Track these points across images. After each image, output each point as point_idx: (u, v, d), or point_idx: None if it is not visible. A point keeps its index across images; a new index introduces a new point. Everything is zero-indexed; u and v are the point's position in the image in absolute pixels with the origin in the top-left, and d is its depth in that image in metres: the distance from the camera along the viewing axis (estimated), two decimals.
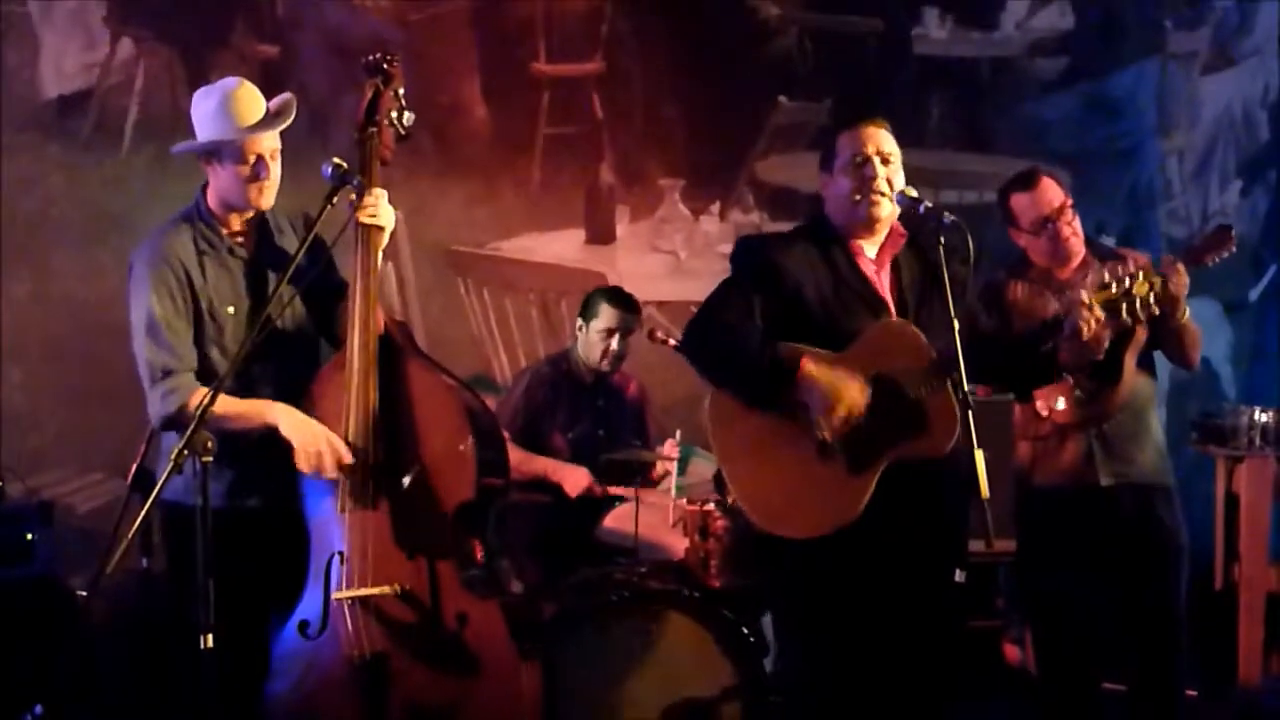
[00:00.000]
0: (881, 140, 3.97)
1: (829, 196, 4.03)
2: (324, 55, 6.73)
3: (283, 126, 4.12)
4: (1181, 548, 4.77)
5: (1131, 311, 3.80)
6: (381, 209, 4.08)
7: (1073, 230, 4.72)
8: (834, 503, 3.83)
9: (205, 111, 4.08)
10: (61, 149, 6.53)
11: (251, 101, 4.09)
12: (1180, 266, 4.36)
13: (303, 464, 3.97)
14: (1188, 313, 4.54)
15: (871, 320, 3.92)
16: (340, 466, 3.98)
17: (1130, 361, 4.69)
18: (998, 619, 6.27)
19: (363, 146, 4.12)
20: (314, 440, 3.97)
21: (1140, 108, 7.45)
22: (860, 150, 3.94)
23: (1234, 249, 4.44)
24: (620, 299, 5.69)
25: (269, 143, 4.09)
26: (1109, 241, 6.16)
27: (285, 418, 3.99)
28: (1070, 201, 4.73)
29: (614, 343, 5.62)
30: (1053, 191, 4.71)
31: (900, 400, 3.81)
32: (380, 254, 4.10)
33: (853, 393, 3.78)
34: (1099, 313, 3.79)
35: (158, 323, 4.00)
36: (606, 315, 5.62)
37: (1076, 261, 4.76)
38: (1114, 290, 3.81)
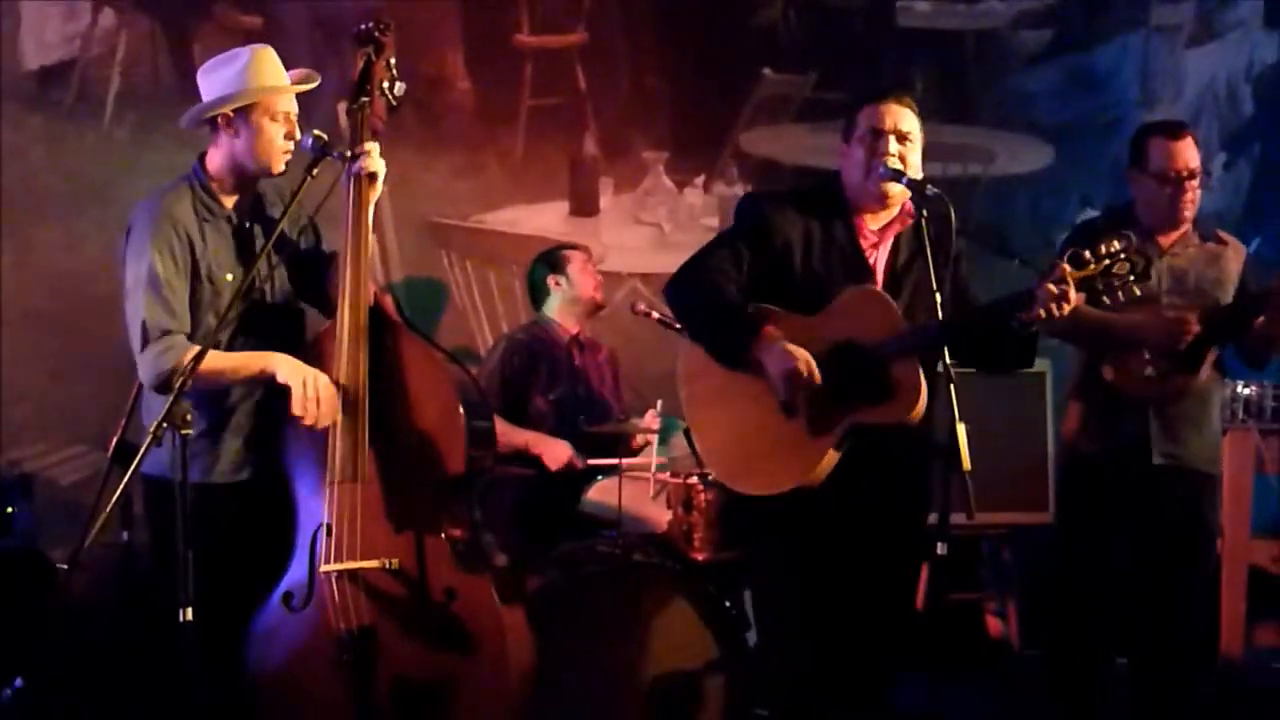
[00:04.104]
0: (901, 118, 3.97)
1: (844, 167, 4.06)
2: (307, 27, 6.69)
3: (308, 89, 4.10)
4: (1214, 535, 4.85)
5: (1110, 291, 3.70)
6: (375, 157, 4.04)
7: (1193, 199, 4.70)
8: (792, 462, 3.86)
9: (232, 71, 4.02)
10: (43, 120, 6.48)
11: (280, 63, 4.07)
12: None
13: (298, 408, 3.91)
14: None
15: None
16: (330, 427, 3.95)
17: (1210, 357, 4.70)
18: (979, 592, 6.29)
19: (354, 117, 4.08)
20: (312, 386, 3.92)
21: (1124, 80, 7.44)
22: (878, 125, 3.96)
23: None
24: (567, 244, 6.03)
25: (294, 106, 4.07)
26: (1093, 214, 6.14)
27: (284, 364, 3.95)
28: (1200, 175, 4.72)
29: (596, 270, 5.90)
30: (1192, 152, 4.68)
31: (864, 366, 3.82)
32: (371, 212, 4.05)
33: (806, 358, 3.79)
34: (1072, 293, 3.70)
35: (160, 280, 3.92)
36: (576, 255, 5.85)
37: (1181, 231, 4.76)
38: (1092, 269, 3.72)
